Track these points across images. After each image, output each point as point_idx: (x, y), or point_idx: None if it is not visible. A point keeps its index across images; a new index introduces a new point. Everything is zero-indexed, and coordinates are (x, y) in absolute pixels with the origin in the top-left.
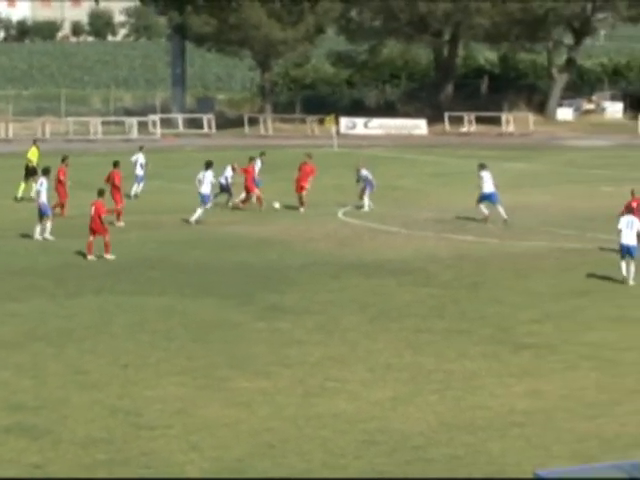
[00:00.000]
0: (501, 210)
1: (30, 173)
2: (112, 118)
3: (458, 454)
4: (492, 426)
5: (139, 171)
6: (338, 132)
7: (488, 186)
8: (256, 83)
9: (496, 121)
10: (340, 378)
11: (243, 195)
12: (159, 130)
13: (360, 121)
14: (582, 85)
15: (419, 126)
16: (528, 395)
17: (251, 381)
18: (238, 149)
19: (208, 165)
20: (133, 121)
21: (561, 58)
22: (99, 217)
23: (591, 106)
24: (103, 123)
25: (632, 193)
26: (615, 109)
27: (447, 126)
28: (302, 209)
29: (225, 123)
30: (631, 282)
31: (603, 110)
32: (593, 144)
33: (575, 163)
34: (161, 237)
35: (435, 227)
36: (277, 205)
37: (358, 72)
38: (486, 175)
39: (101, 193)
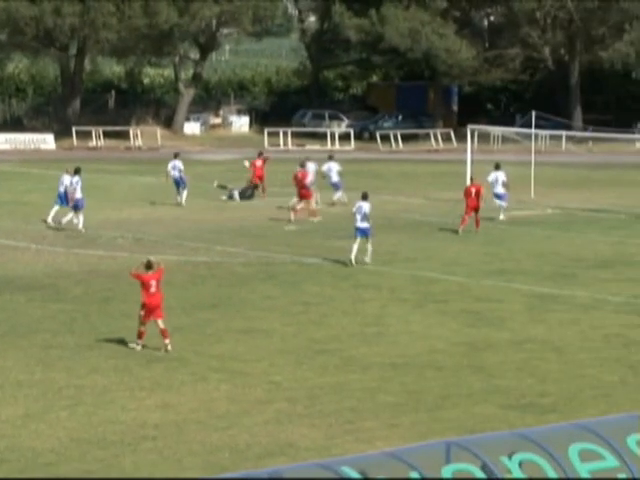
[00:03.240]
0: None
1: None
2: None
3: (91, 469)
4: (124, 440)
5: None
6: None
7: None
8: None
9: (124, 135)
10: None
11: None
12: None
13: None
14: (209, 100)
15: (46, 141)
16: (159, 408)
17: None
18: None
19: (331, 157)
20: None
21: (188, 73)
22: None
23: (218, 120)
24: None
25: (471, 179)
26: (241, 123)
27: (75, 141)
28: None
29: None
30: (367, 260)
31: (230, 124)
32: (220, 158)
33: (203, 177)
34: None
35: (65, 242)
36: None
37: None
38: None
39: None
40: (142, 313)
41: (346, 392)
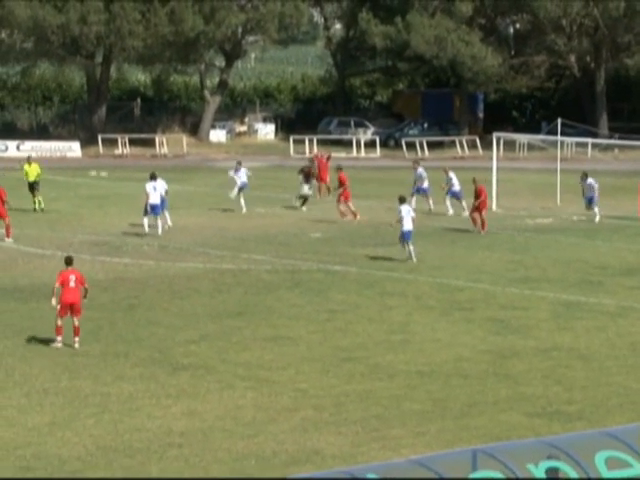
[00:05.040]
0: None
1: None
2: None
3: (116, 477)
4: (150, 448)
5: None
6: None
7: (153, 197)
8: None
9: (150, 143)
10: None
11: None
12: None
13: (12, 144)
14: (234, 107)
15: (72, 148)
16: (185, 416)
17: None
18: None
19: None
20: None
21: (213, 80)
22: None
23: (244, 128)
24: None
25: (474, 181)
26: (267, 131)
27: (101, 148)
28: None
29: None
30: (414, 259)
31: (255, 132)
32: (246, 166)
33: (229, 185)
34: None
35: (91, 250)
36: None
37: (9, 94)
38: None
39: None
40: (58, 307)
41: (372, 400)
